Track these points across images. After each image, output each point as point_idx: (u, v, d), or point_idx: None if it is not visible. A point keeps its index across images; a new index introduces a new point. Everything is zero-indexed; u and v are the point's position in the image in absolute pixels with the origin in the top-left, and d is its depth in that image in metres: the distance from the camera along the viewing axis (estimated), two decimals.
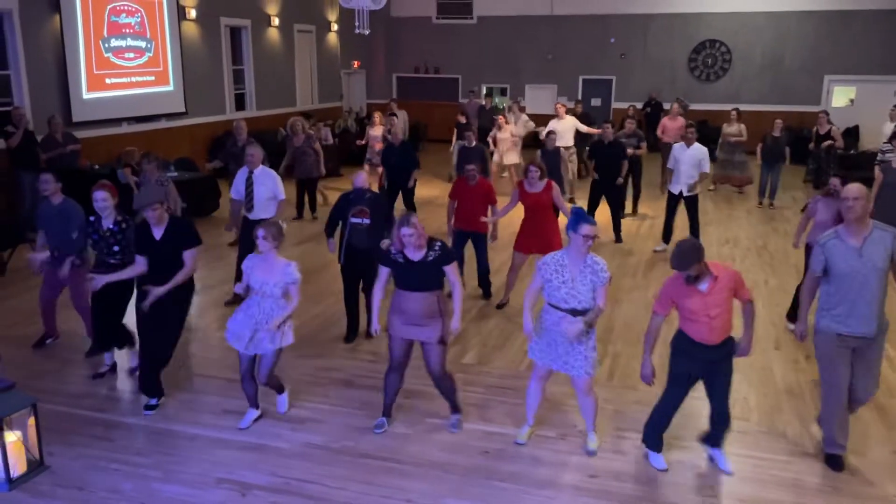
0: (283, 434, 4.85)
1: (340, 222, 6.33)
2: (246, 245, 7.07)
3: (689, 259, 4.04)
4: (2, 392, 4.12)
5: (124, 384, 5.65)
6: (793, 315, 6.60)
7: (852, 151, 13.48)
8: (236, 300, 5.94)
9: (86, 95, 11.27)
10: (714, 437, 4.53)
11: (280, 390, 5.14)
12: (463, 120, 14.75)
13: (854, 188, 4.29)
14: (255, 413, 5.03)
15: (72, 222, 5.74)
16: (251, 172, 7.01)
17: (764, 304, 7.30)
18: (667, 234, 9.31)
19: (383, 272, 4.70)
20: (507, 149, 12.75)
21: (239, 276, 7.17)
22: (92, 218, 5.47)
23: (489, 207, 7.28)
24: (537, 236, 7.01)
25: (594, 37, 18.94)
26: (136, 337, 5.56)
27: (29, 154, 9.69)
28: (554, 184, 7.08)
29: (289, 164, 10.85)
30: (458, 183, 7.49)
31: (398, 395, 5.00)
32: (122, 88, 12.03)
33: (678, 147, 9.09)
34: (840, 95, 17.69)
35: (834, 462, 4.50)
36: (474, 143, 10.49)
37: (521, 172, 13.09)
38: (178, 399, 5.35)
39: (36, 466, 4.37)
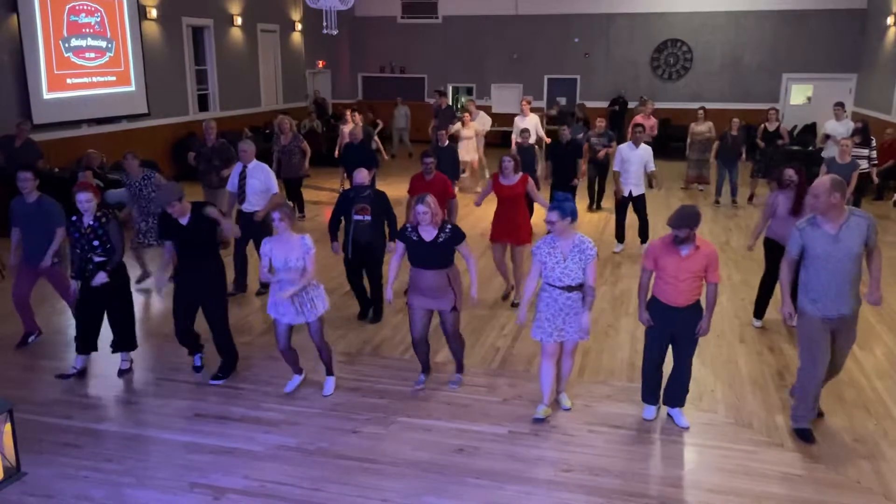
0: (256, 437, 4.83)
1: (343, 219, 6.66)
2: (243, 236, 7.19)
3: (686, 222, 4.46)
4: None
5: (94, 390, 5.57)
6: (759, 313, 6.79)
7: (811, 148, 13.77)
8: (265, 287, 6.50)
9: (46, 96, 11.03)
10: (671, 396, 4.96)
11: (329, 368, 5.48)
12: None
13: (816, 186, 4.49)
14: (299, 378, 5.51)
15: (52, 219, 5.92)
16: (245, 166, 7.33)
17: (728, 299, 7.45)
18: (620, 234, 9.37)
19: (399, 247, 5.18)
20: (468, 147, 12.81)
21: (237, 267, 7.47)
22: (74, 217, 5.55)
23: (447, 202, 7.33)
24: (509, 228, 7.11)
25: (558, 36, 19.07)
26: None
27: None
28: (529, 177, 7.23)
29: (277, 163, 10.73)
30: (415, 178, 7.52)
31: (368, 393, 5.05)
32: (84, 88, 11.79)
33: (625, 148, 9.03)
34: (798, 93, 18.09)
35: (805, 435, 4.75)
36: (447, 143, 10.49)
37: (480, 168, 13.27)
38: (150, 404, 5.30)
39: (13, 473, 4.29)
